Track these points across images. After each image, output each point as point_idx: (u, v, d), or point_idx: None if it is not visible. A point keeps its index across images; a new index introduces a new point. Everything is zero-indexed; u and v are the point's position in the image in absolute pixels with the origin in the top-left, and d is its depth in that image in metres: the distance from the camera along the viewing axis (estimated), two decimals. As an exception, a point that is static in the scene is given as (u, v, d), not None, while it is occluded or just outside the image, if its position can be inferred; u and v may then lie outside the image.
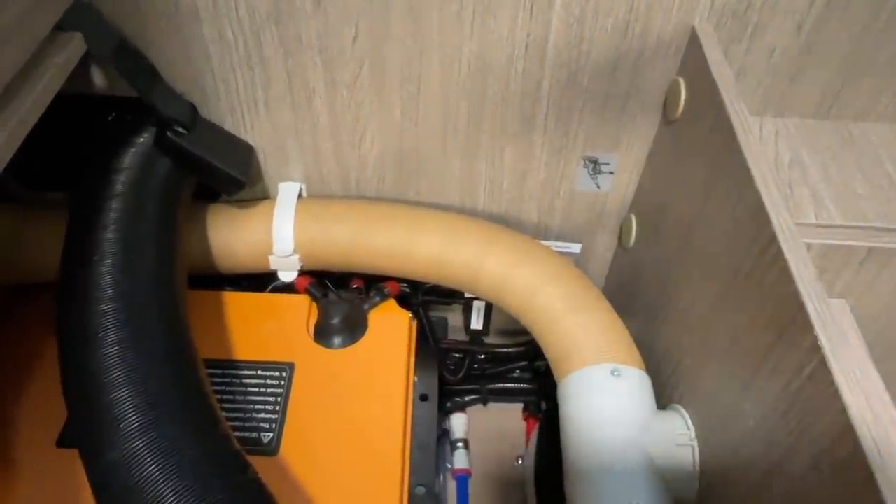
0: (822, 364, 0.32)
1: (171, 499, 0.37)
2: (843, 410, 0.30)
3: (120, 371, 0.41)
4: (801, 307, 0.34)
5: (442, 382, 0.74)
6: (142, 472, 0.38)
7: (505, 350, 0.76)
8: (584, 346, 0.52)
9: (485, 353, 0.78)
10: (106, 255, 0.46)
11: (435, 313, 0.78)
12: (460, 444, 0.76)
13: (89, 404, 0.40)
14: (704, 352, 0.46)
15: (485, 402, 0.79)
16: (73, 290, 0.45)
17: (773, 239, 0.37)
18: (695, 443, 0.47)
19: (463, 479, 0.74)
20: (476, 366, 0.78)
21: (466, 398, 0.78)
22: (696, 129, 0.50)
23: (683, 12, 0.50)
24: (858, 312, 0.52)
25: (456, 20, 0.51)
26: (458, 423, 0.77)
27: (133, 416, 0.40)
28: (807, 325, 0.33)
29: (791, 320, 0.34)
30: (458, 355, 0.77)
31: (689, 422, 0.48)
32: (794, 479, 0.34)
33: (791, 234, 0.36)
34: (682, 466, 0.46)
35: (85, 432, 0.41)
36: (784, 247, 0.36)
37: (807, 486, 0.33)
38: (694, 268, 0.49)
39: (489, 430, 0.78)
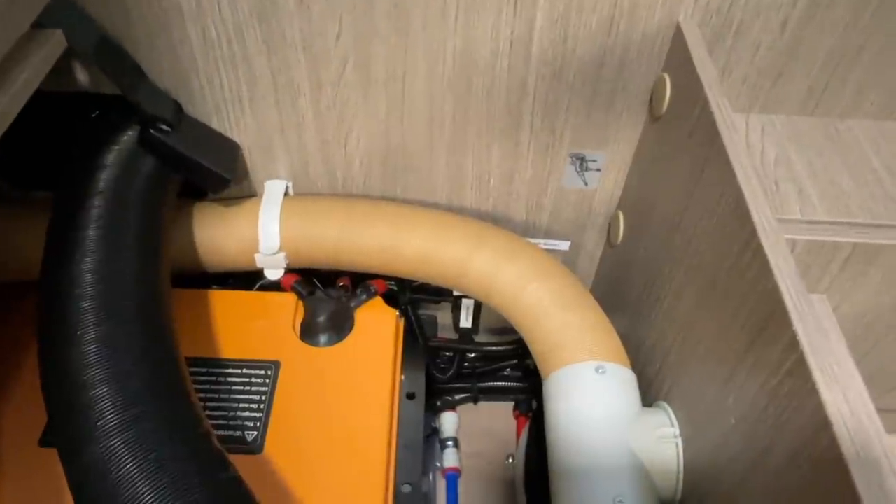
0: (801, 359, 0.31)
1: (150, 497, 0.37)
2: (820, 405, 0.30)
3: (99, 369, 0.40)
4: (780, 302, 0.33)
5: (432, 381, 0.74)
6: (120, 471, 0.38)
7: (495, 348, 0.76)
8: (569, 344, 0.52)
9: (475, 352, 0.78)
10: (87, 253, 0.46)
11: (424, 311, 0.78)
12: (450, 443, 0.76)
13: (68, 402, 0.40)
14: (688, 349, 0.46)
15: (475, 401, 0.79)
16: (54, 288, 0.45)
17: (753, 234, 0.37)
18: (679, 439, 0.46)
19: (453, 477, 0.74)
20: (466, 364, 0.78)
21: (456, 397, 0.78)
22: (680, 126, 0.50)
23: (668, 9, 0.50)
24: (845, 308, 0.52)
25: (440, 17, 0.51)
26: (449, 422, 0.77)
27: (111, 414, 0.39)
28: (785, 321, 0.33)
29: (770, 316, 0.34)
30: (447, 354, 0.77)
31: (674, 418, 0.48)
32: (774, 474, 0.34)
33: (772, 230, 0.36)
34: (667, 463, 0.46)
35: (63, 431, 0.40)
36: (764, 242, 0.36)
37: (786, 482, 0.33)
38: (679, 264, 0.49)
39: (480, 429, 0.78)
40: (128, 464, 0.38)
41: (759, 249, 0.36)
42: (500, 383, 0.78)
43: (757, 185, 0.38)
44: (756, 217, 0.37)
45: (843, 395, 0.30)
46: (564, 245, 0.70)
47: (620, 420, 0.48)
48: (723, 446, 0.40)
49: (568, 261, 0.72)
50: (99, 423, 0.39)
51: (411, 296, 0.70)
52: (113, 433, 0.39)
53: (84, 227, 0.47)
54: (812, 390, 0.30)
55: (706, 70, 0.46)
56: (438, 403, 0.77)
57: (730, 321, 0.39)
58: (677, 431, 0.47)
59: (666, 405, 0.49)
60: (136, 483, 0.38)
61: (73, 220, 0.48)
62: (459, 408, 0.78)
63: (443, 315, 0.79)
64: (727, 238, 0.40)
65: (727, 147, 0.40)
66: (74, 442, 0.39)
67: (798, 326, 0.32)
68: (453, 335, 0.79)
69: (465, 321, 0.75)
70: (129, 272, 0.47)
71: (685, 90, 0.49)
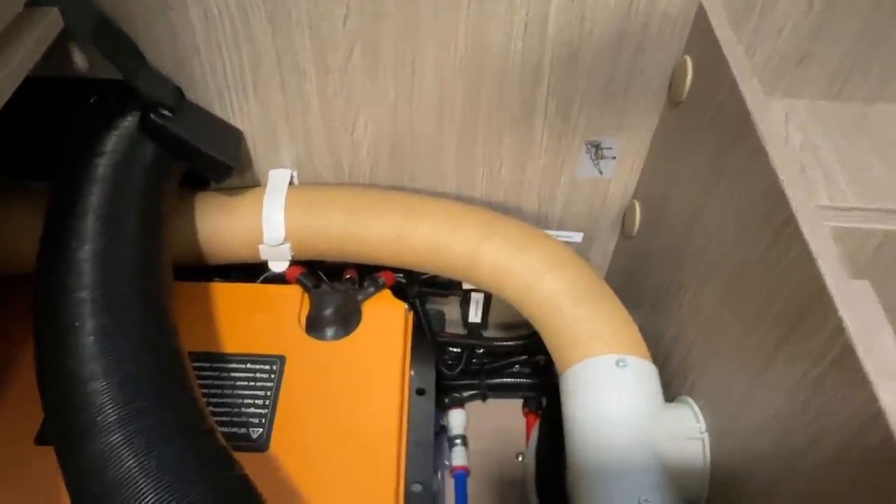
0: (848, 347, 0.29)
1: (151, 496, 0.35)
2: (872, 397, 0.28)
3: (97, 362, 0.38)
4: (822, 289, 0.31)
5: (439, 377, 0.72)
6: (120, 469, 0.36)
7: (504, 344, 0.74)
8: (587, 337, 0.50)
9: (483, 347, 0.76)
10: (85, 241, 0.44)
11: (431, 306, 0.76)
12: (458, 441, 0.74)
13: (65, 397, 0.38)
14: (714, 341, 0.44)
15: (484, 398, 0.77)
16: (50, 278, 0.43)
17: (789, 219, 0.35)
18: (705, 436, 0.44)
19: (461, 476, 0.72)
20: (475, 360, 0.76)
21: (465, 394, 0.76)
22: (702, 111, 0.48)
23: None
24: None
25: (452, -3, 0.49)
26: (457, 420, 0.75)
27: (111, 408, 0.37)
28: (829, 308, 0.31)
29: (810, 303, 0.32)
30: (455, 349, 0.75)
31: (700, 414, 0.46)
32: (816, 471, 0.32)
33: (810, 214, 0.34)
34: (693, 461, 0.44)
35: (60, 427, 0.38)
36: (803, 227, 0.34)
37: (830, 480, 0.31)
38: (700, 256, 0.47)
39: (488, 427, 0.76)
40: (128, 461, 0.36)
41: (796, 235, 0.34)
42: (509, 380, 0.76)
43: (793, 169, 0.36)
44: (793, 201, 0.35)
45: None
46: (577, 237, 0.68)
47: (643, 416, 0.46)
48: (754, 442, 0.38)
49: (580, 253, 0.69)
50: (98, 419, 0.37)
51: (420, 289, 0.68)
52: (112, 429, 0.37)
53: (82, 216, 0.45)
54: (863, 380, 0.28)
55: (733, 51, 0.44)
56: (446, 400, 0.75)
57: (761, 313, 0.37)
58: (703, 427, 0.45)
59: (690, 400, 0.47)
60: (136, 481, 0.36)
61: (71, 209, 0.46)
62: (467, 405, 0.77)
63: (450, 310, 0.77)
64: (757, 225, 0.38)
65: (759, 129, 0.38)
66: (72, 438, 0.37)
67: (844, 313, 0.30)
68: (461, 330, 0.77)
69: (475, 316, 0.73)
70: (129, 261, 0.45)
71: (709, 73, 0.47)
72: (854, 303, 0.31)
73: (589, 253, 0.70)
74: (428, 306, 0.74)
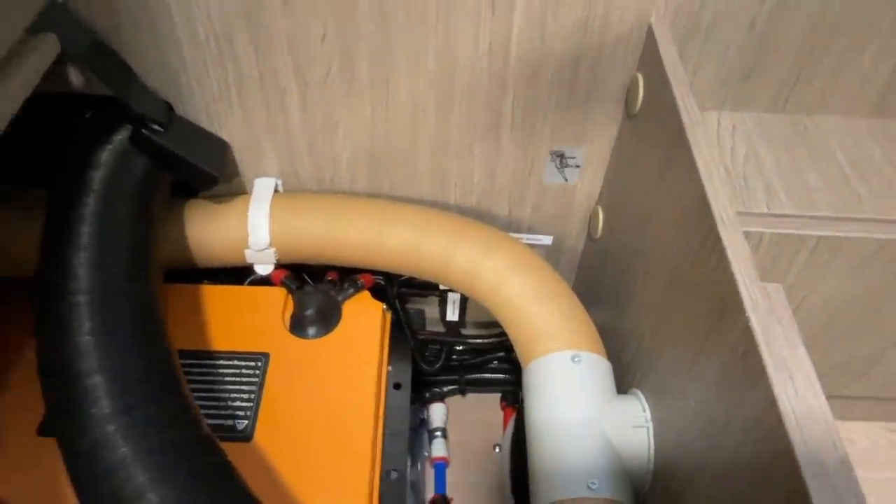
0: (753, 344, 0.33)
1: (142, 479, 0.39)
2: (768, 386, 0.32)
3: (92, 359, 0.42)
4: (735, 291, 0.35)
5: (420, 373, 0.76)
6: (114, 455, 0.40)
7: (482, 341, 0.78)
8: (546, 334, 0.54)
9: (462, 345, 0.80)
10: (81, 247, 0.48)
11: (412, 305, 0.80)
12: (438, 434, 0.78)
13: (64, 391, 0.42)
14: (658, 337, 0.48)
15: (463, 393, 0.81)
16: (49, 282, 0.47)
17: (713, 228, 0.38)
18: (650, 424, 0.48)
19: (441, 466, 0.76)
20: (454, 357, 0.80)
21: (445, 388, 0.80)
22: (652, 124, 0.52)
23: (640, 10, 0.52)
24: (813, 298, 0.54)
25: (421, 19, 0.53)
26: (437, 413, 0.79)
27: (105, 401, 0.41)
28: (740, 308, 0.35)
29: (727, 303, 0.36)
30: (435, 346, 0.79)
31: (646, 404, 0.50)
32: (728, 454, 0.36)
33: (730, 222, 0.38)
34: (639, 448, 0.48)
35: (60, 419, 0.42)
36: (723, 234, 0.38)
37: (738, 461, 0.35)
38: (649, 257, 0.51)
39: (468, 419, 0.80)
40: (121, 448, 0.40)
41: (717, 241, 0.38)
42: (487, 375, 0.80)
43: (718, 181, 0.40)
44: (716, 211, 0.39)
45: (791, 378, 0.32)
46: (548, 239, 0.72)
47: (595, 406, 0.51)
48: (686, 429, 0.42)
49: (551, 254, 0.74)
50: (93, 411, 0.41)
51: (399, 290, 0.72)
52: (107, 420, 0.41)
53: (78, 225, 0.49)
54: (762, 372, 0.32)
55: (675, 70, 0.48)
56: (427, 395, 0.79)
57: (693, 310, 0.42)
58: (648, 417, 0.49)
59: (639, 392, 0.51)
60: (128, 466, 0.40)
61: (68, 218, 0.50)
62: (448, 399, 0.81)
63: (431, 309, 0.81)
64: (690, 231, 0.42)
65: (691, 144, 0.42)
66: (71, 429, 0.42)
67: (751, 314, 0.34)
68: (441, 328, 0.81)
69: (452, 314, 0.77)
70: (122, 267, 0.49)
71: (656, 89, 0.51)
72: (762, 304, 0.35)
73: (560, 254, 0.74)
74: (409, 306, 0.78)
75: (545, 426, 0.50)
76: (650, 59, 0.52)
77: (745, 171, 0.53)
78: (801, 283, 0.52)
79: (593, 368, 0.52)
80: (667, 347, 0.46)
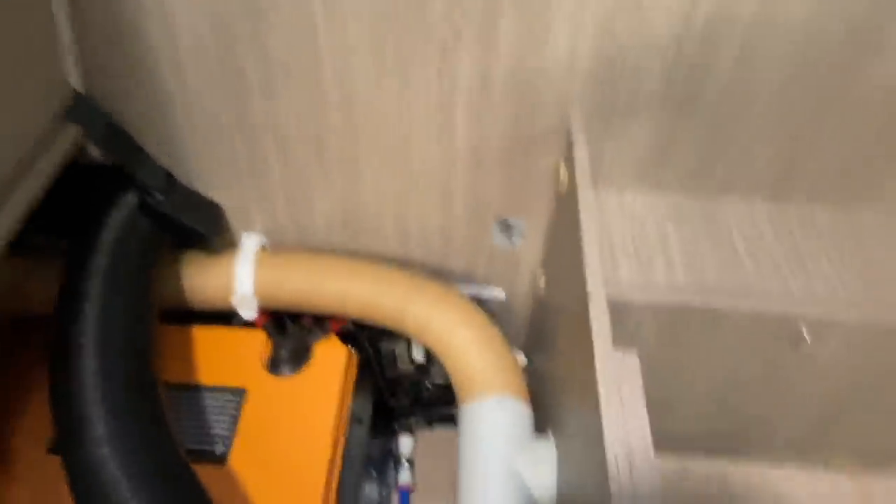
0: (597, 401, 0.42)
1: (127, 493, 0.49)
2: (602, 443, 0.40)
3: (92, 392, 0.53)
4: (592, 358, 0.44)
5: (388, 408, 0.85)
6: (107, 473, 0.50)
7: (443, 382, 0.87)
8: (477, 381, 0.63)
9: (429, 383, 0.89)
10: (89, 298, 0.58)
11: (387, 345, 0.90)
12: (405, 463, 0.87)
13: (68, 417, 0.52)
14: (562, 385, 0.57)
15: (430, 425, 0.90)
16: (62, 325, 0.57)
17: (588, 293, 0.48)
18: (555, 465, 0.57)
19: (405, 494, 0.85)
20: (423, 393, 0.90)
21: (412, 420, 0.89)
22: (571, 205, 0.61)
23: (562, 107, 0.61)
24: (695, 361, 0.63)
25: (381, 113, 0.63)
26: (405, 444, 0.89)
27: (101, 428, 0.51)
28: (593, 369, 0.44)
29: (588, 365, 0.45)
30: (403, 384, 0.88)
31: (554, 447, 0.58)
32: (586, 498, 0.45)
33: (597, 296, 0.47)
34: (547, 488, 0.57)
35: (64, 440, 0.53)
36: (590, 302, 0.46)
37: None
38: (562, 315, 0.60)
39: (434, 450, 0.90)
40: (111, 466, 0.50)
41: (587, 313, 0.47)
42: (452, 411, 0.89)
43: (596, 261, 0.49)
44: (589, 281, 0.48)
45: (625, 433, 0.41)
46: (501, 293, 0.81)
47: (513, 448, 0.59)
48: (575, 472, 0.51)
49: (506, 305, 0.83)
50: (92, 435, 0.51)
51: (369, 333, 0.81)
52: (101, 443, 0.51)
53: (88, 278, 0.60)
54: (601, 430, 0.41)
55: (581, 163, 0.57)
56: (396, 426, 0.89)
57: (576, 364, 0.50)
58: (555, 457, 0.57)
59: (550, 434, 0.60)
60: (119, 482, 0.50)
61: (80, 271, 0.60)
62: (417, 431, 0.90)
63: (401, 349, 0.90)
64: (578, 295, 0.51)
65: (582, 230, 0.52)
66: (72, 449, 0.52)
67: (600, 376, 0.43)
68: (411, 368, 0.90)
69: (418, 355, 0.86)
70: (123, 315, 0.59)
71: (573, 177, 0.60)
72: (610, 371, 0.44)
73: (513, 306, 0.83)
74: (382, 345, 0.88)
75: (469, 466, 0.59)
76: (567, 151, 0.62)
77: (651, 250, 0.62)
78: (689, 347, 0.61)
79: (514, 413, 0.61)
80: (566, 395, 0.55)
